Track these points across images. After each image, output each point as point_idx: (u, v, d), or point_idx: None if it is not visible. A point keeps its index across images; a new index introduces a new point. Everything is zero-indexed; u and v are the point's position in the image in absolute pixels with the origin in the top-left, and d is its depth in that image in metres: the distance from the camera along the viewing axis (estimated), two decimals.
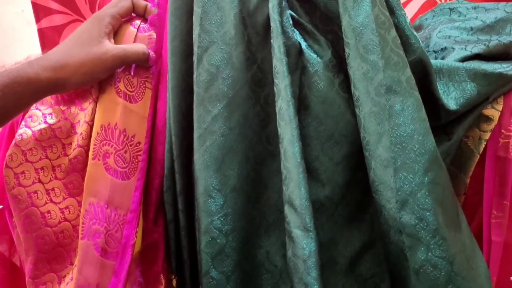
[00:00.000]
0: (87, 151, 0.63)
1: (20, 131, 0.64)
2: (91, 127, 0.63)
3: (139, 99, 0.61)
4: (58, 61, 0.57)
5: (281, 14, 0.52)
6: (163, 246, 0.66)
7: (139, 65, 0.61)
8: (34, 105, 0.65)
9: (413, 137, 0.48)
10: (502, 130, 0.57)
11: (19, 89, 0.55)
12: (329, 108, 0.54)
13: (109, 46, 0.59)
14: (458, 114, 0.56)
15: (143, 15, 0.63)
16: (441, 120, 0.55)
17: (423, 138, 0.48)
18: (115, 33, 0.62)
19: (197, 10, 0.55)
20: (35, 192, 0.61)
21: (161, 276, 0.66)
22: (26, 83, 0.55)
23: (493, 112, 0.58)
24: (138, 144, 0.61)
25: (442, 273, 0.46)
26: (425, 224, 0.47)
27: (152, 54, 0.61)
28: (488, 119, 0.58)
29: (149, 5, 0.63)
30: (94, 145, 0.61)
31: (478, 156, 0.58)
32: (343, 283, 0.55)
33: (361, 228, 0.56)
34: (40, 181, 0.62)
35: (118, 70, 0.61)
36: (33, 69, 0.56)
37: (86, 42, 0.59)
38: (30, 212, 0.61)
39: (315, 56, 0.53)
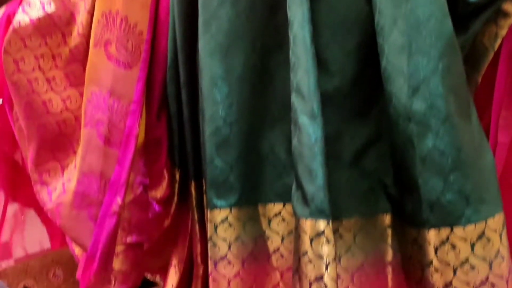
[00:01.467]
0: (88, 41, 0.61)
1: (17, 17, 0.62)
2: (92, 15, 0.61)
3: None
4: None
5: None
6: (166, 142, 0.65)
7: None
8: None
9: (430, 20, 0.46)
10: None
11: None
12: None
13: None
14: (477, 5, 0.53)
15: None
16: (458, 11, 0.53)
17: (441, 22, 0.46)
18: None
19: None
20: (35, 79, 0.60)
21: (164, 171, 0.66)
22: None
23: None
24: (140, 34, 0.59)
25: (449, 160, 0.46)
26: (436, 111, 0.46)
27: None
28: (506, 14, 0.55)
29: None
30: (95, 32, 0.59)
31: (493, 52, 0.56)
32: (347, 177, 0.55)
33: (368, 122, 0.55)
34: (40, 69, 0.60)
35: None
36: None
37: None
38: (30, 100, 0.60)
39: None
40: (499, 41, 0.56)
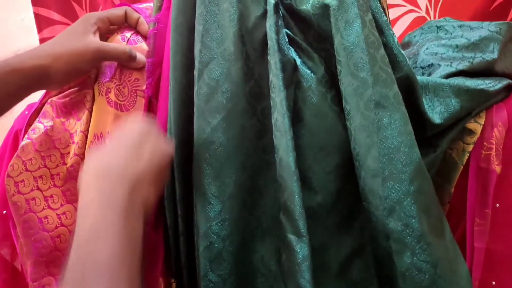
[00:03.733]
0: (83, 160, 0.65)
1: (22, 143, 0.67)
2: (86, 136, 0.66)
3: (130, 107, 0.64)
4: (42, 50, 0.61)
5: (277, 32, 0.56)
6: (163, 251, 0.68)
7: (127, 69, 0.64)
8: (37, 118, 0.68)
9: (400, 149, 0.51)
10: (484, 143, 0.61)
11: (5, 78, 0.58)
12: (322, 121, 0.57)
13: (91, 40, 0.62)
14: (443, 127, 0.59)
15: (135, 27, 0.66)
16: (426, 133, 0.59)
17: (409, 150, 0.51)
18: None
19: (198, 27, 0.58)
20: (33, 198, 0.64)
21: (160, 279, 0.68)
22: (11, 71, 0.58)
23: (476, 126, 0.61)
24: None
25: (426, 276, 0.50)
26: (411, 230, 0.50)
27: (140, 58, 0.64)
28: (471, 132, 0.61)
29: (142, 17, 0.66)
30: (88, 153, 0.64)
31: (462, 167, 0.61)
32: (334, 287, 0.58)
33: (351, 234, 0.59)
34: (38, 189, 0.64)
35: (106, 80, 0.64)
36: (19, 58, 0.59)
37: (70, 36, 0.63)
38: (28, 218, 0.64)
39: (309, 72, 0.57)
40: (466, 156, 0.62)
